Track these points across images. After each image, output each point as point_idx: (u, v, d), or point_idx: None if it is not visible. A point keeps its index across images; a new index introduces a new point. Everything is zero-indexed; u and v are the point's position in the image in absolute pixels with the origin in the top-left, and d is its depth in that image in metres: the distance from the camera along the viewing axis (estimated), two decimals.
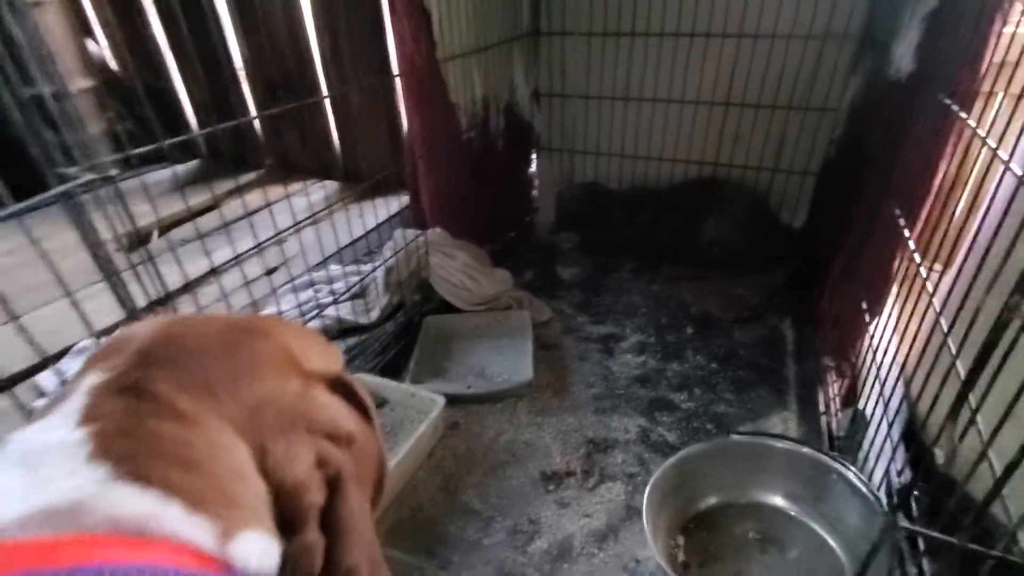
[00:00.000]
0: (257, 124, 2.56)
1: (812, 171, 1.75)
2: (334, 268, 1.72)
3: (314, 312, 1.47)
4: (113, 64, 2.61)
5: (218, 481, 0.32)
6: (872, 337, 1.06)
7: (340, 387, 0.43)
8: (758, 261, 1.77)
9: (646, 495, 0.88)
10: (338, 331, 1.47)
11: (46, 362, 1.21)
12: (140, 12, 2.38)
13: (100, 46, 2.56)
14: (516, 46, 1.71)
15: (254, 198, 2.32)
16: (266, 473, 0.35)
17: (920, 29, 1.10)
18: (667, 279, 1.77)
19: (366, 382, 1.25)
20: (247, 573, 0.31)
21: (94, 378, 0.34)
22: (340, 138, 2.43)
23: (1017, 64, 0.67)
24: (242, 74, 2.44)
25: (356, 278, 1.64)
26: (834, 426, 1.17)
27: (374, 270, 1.52)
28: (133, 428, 0.31)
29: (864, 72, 1.48)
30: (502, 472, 1.14)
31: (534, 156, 2.01)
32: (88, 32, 2.51)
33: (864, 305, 1.14)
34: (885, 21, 1.34)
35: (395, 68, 1.36)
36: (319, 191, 2.43)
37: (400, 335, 1.47)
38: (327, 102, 2.35)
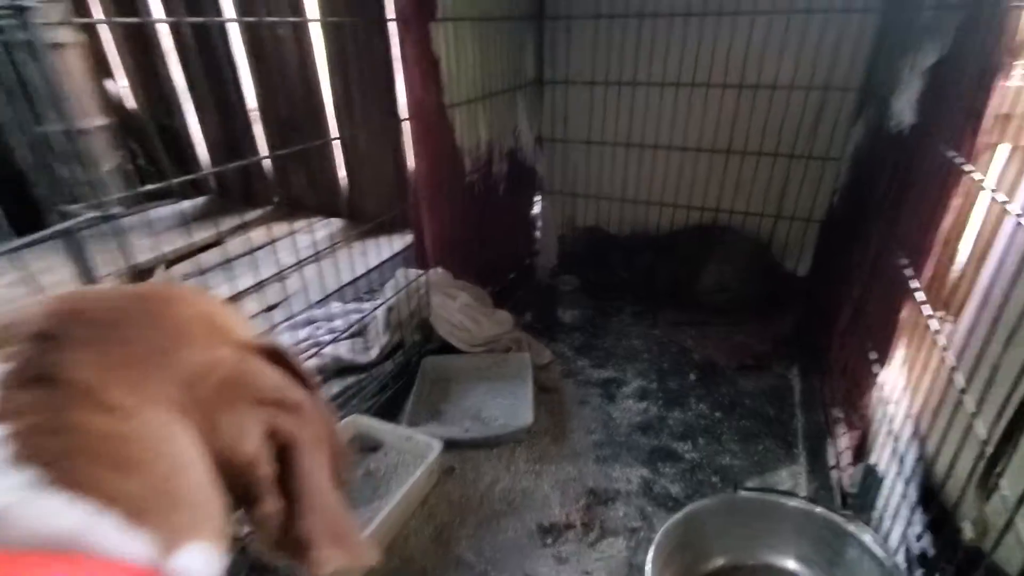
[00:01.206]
0: (267, 163, 2.60)
1: (816, 219, 1.75)
2: (335, 306, 1.71)
3: (313, 350, 1.45)
4: (130, 103, 2.69)
5: (159, 482, 0.29)
6: (882, 389, 1.03)
7: (273, 355, 0.40)
8: (762, 308, 1.75)
9: (650, 553, 0.84)
10: (335, 370, 1.44)
11: None
12: (158, 54, 2.46)
13: (118, 86, 2.64)
14: (520, 94, 1.75)
15: (259, 235, 2.34)
16: (215, 451, 0.33)
17: (921, 82, 1.12)
18: (669, 324, 1.75)
19: (361, 424, 1.22)
20: None
21: None
22: (347, 178, 2.46)
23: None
24: (255, 115, 2.50)
25: (356, 316, 1.63)
26: (846, 482, 1.12)
27: (375, 309, 1.50)
28: (59, 425, 0.27)
29: (866, 123, 1.50)
30: (498, 523, 1.09)
31: (537, 199, 2.03)
32: (107, 72, 2.59)
33: (872, 356, 1.11)
34: (885, 75, 1.37)
35: (403, 112, 1.39)
36: (324, 229, 2.45)
37: (399, 375, 1.44)
38: (336, 143, 2.40)
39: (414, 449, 1.16)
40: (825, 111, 1.62)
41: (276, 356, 0.40)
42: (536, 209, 2.04)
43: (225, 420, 0.34)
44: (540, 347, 1.57)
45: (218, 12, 2.22)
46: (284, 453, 0.36)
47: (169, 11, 2.33)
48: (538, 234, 2.06)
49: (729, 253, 1.76)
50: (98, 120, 2.34)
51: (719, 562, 0.90)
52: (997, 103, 0.79)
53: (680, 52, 1.69)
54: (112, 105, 2.56)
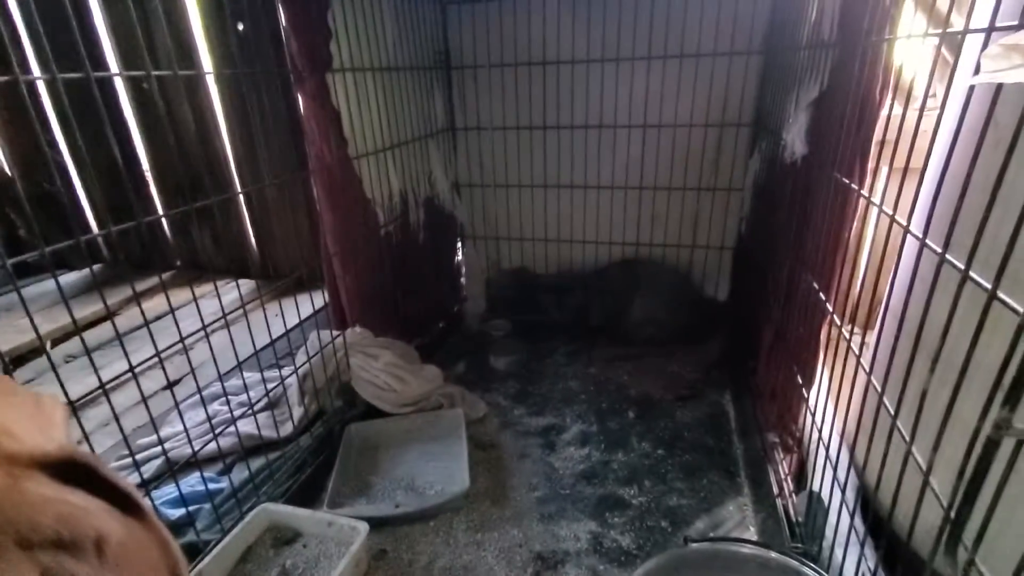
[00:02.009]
0: (165, 225, 2.41)
1: (728, 246, 1.81)
2: (248, 376, 1.55)
3: (220, 428, 1.28)
4: (6, 169, 2.42)
5: None
6: (811, 410, 1.04)
7: (72, 470, 0.30)
8: (689, 336, 1.77)
9: None
10: (248, 449, 1.28)
11: None
12: (37, 116, 2.24)
13: None
14: (432, 141, 1.72)
15: (160, 303, 2.12)
16: None
17: (807, 115, 1.19)
18: (603, 361, 1.73)
19: (273, 513, 1.07)
20: None
21: None
22: (256, 235, 2.31)
23: (898, 140, 0.71)
24: (149, 175, 2.32)
25: (272, 384, 1.48)
26: (791, 511, 1.11)
27: (287, 378, 1.37)
28: None
29: (761, 156, 1.59)
30: None
31: (459, 245, 1.98)
32: None
33: (799, 377, 1.12)
34: (773, 111, 1.45)
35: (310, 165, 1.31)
36: (232, 291, 2.27)
37: (319, 449, 1.30)
38: (241, 199, 2.25)
39: (337, 536, 1.03)
40: (724, 146, 1.71)
41: (75, 469, 0.30)
42: (459, 255, 1.99)
43: None
44: (474, 400, 1.49)
45: (102, 68, 2.06)
46: None
47: (46, 70, 2.14)
48: (464, 280, 2.01)
49: (653, 285, 1.79)
50: None
51: None
52: (879, 130, 0.83)
53: (585, 96, 1.73)
54: None
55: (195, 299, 1.08)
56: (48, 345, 1.87)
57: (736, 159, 1.71)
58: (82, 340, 0.83)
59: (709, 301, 1.84)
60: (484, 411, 1.48)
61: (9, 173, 2.41)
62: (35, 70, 2.15)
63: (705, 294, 1.85)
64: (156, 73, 0.93)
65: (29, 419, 0.32)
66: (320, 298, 2.01)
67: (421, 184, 1.68)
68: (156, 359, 1.57)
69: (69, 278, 2.35)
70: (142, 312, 0.94)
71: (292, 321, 1.74)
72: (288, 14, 1.11)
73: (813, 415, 1.01)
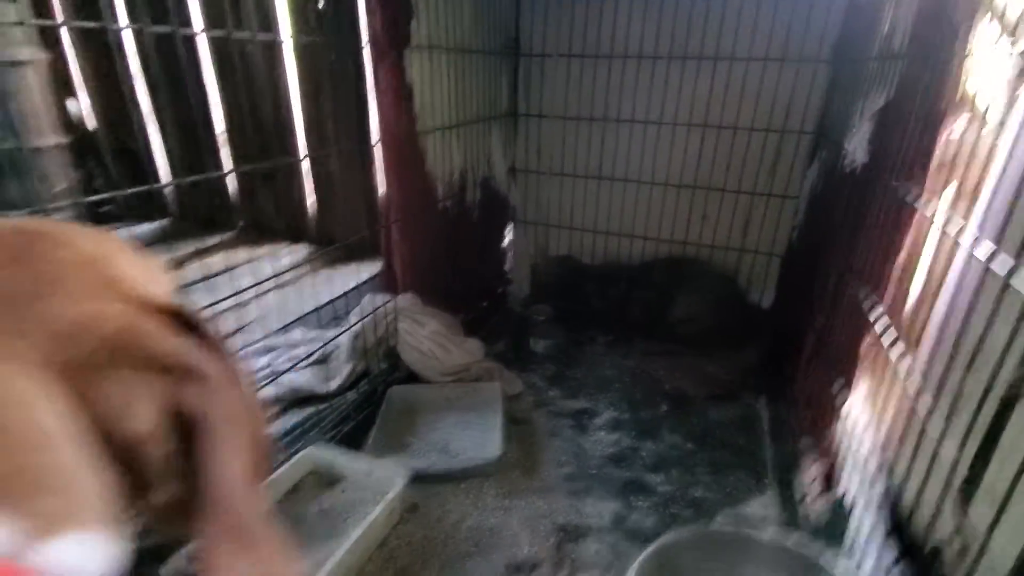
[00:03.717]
0: (232, 186, 2.54)
1: (777, 253, 1.80)
2: (297, 333, 1.65)
3: (269, 379, 1.38)
4: (91, 123, 2.61)
5: (20, 458, 0.24)
6: (847, 418, 1.04)
7: (180, 318, 0.34)
8: (729, 339, 1.78)
9: None
10: (293, 400, 1.38)
11: None
12: (122, 73, 2.41)
13: (80, 105, 2.57)
14: (494, 124, 1.77)
15: (220, 260, 2.26)
16: (97, 425, 0.28)
17: (870, 125, 1.18)
18: (640, 354, 1.75)
19: (318, 456, 1.16)
20: None
21: None
22: (316, 202, 2.43)
23: (955, 158, 0.71)
24: (223, 138, 2.46)
25: (319, 344, 1.57)
26: (815, 513, 1.12)
27: (338, 335, 1.46)
28: None
29: (821, 164, 1.57)
30: (463, 565, 1.03)
31: (509, 228, 2.04)
32: (70, 91, 2.52)
33: (836, 385, 1.12)
34: (837, 119, 1.44)
35: (375, 136, 1.38)
36: (289, 254, 2.39)
37: (362, 405, 1.38)
38: (304, 165, 2.36)
39: (375, 485, 1.11)
40: (783, 152, 1.69)
41: (184, 319, 0.34)
42: (508, 238, 2.05)
43: (108, 388, 0.29)
44: (511, 377, 1.55)
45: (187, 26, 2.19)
46: (189, 432, 0.31)
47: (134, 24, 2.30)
48: (510, 263, 2.06)
49: (698, 285, 1.79)
50: (54, 139, 2.26)
51: None
52: (942, 147, 0.83)
53: (648, 91, 1.75)
54: (72, 124, 2.48)
55: (253, 260, 1.17)
56: None
57: (794, 166, 1.69)
58: None
59: (753, 307, 1.84)
60: (520, 388, 1.53)
61: (96, 128, 2.60)
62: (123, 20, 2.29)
63: (749, 299, 1.84)
64: (237, 36, 1.01)
65: (143, 271, 0.36)
66: (369, 269, 2.11)
67: (480, 164, 1.74)
68: (211, 307, 1.69)
69: (140, 229, 2.52)
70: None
71: (347, 285, 1.84)
72: None
73: (846, 424, 1.02)
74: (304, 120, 2.22)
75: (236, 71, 2.23)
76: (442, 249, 1.60)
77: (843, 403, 1.09)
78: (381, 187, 1.52)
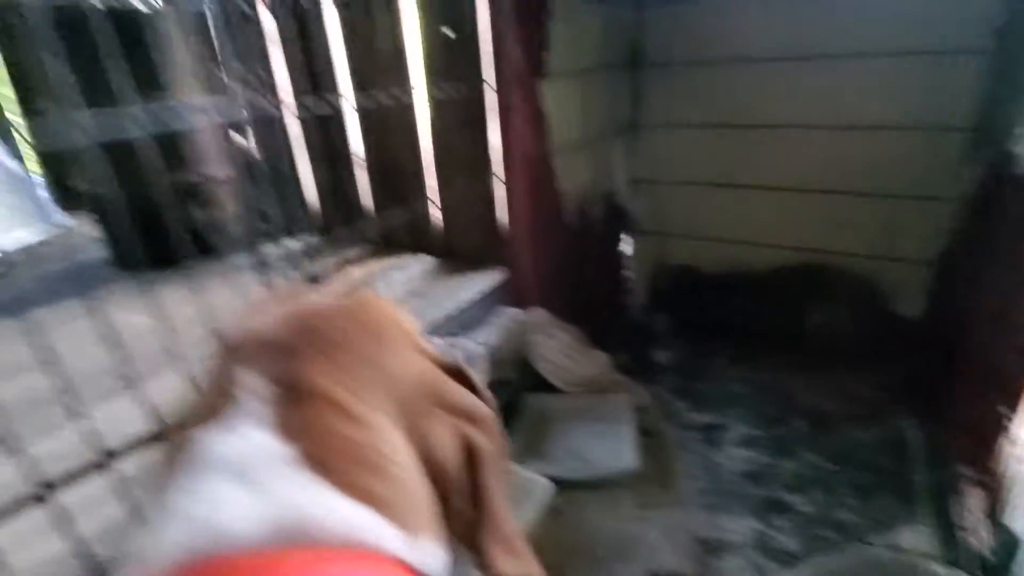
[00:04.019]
0: (370, 204, 2.80)
1: (926, 261, 1.67)
2: (436, 342, 1.80)
3: None
4: (255, 154, 3.00)
5: (400, 487, 0.33)
6: (1017, 446, 0.97)
7: (455, 372, 0.43)
8: (871, 353, 1.68)
9: None
10: None
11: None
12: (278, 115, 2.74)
13: (245, 139, 2.96)
14: (617, 138, 1.81)
15: (359, 270, 2.51)
16: (418, 453, 0.36)
17: None
18: (771, 368, 1.71)
19: None
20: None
21: (255, 380, 0.33)
22: (442, 217, 2.61)
23: None
24: (359, 160, 2.72)
25: (455, 350, 1.71)
26: (978, 544, 1.05)
27: (475, 348, 1.58)
28: (323, 435, 0.32)
29: (980, 166, 1.44)
30: (608, 567, 1.10)
31: (629, 238, 2.06)
32: (237, 128, 2.92)
33: (1003, 408, 1.04)
34: (1002, 117, 1.31)
35: (496, 156, 1.48)
36: (417, 265, 2.59)
37: (499, 413, 1.49)
38: (428, 188, 2.55)
39: (521, 488, 1.20)
40: (933, 152, 1.56)
41: (459, 373, 0.43)
42: (629, 249, 2.08)
43: (426, 426, 0.37)
44: (638, 389, 1.58)
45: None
46: (468, 462, 0.39)
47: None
48: (630, 274, 2.09)
49: (835, 295, 1.71)
50: (225, 170, 2.63)
51: None
52: None
53: (780, 94, 1.69)
54: (236, 155, 2.87)
55: (387, 269, 1.30)
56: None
57: (947, 168, 1.56)
58: None
59: (899, 318, 1.72)
60: (647, 400, 1.56)
61: (257, 156, 2.98)
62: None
63: (895, 310, 1.73)
64: (384, 101, 1.15)
65: (418, 331, 0.45)
66: (490, 279, 2.23)
67: (603, 179, 1.79)
68: None
69: (289, 246, 2.85)
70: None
71: (464, 296, 1.97)
72: (516, 24, 1.27)
73: (1020, 453, 0.95)
74: (434, 142, 2.41)
75: (372, 114, 2.45)
76: (568, 263, 1.67)
77: (1012, 430, 1.01)
78: (508, 206, 1.61)
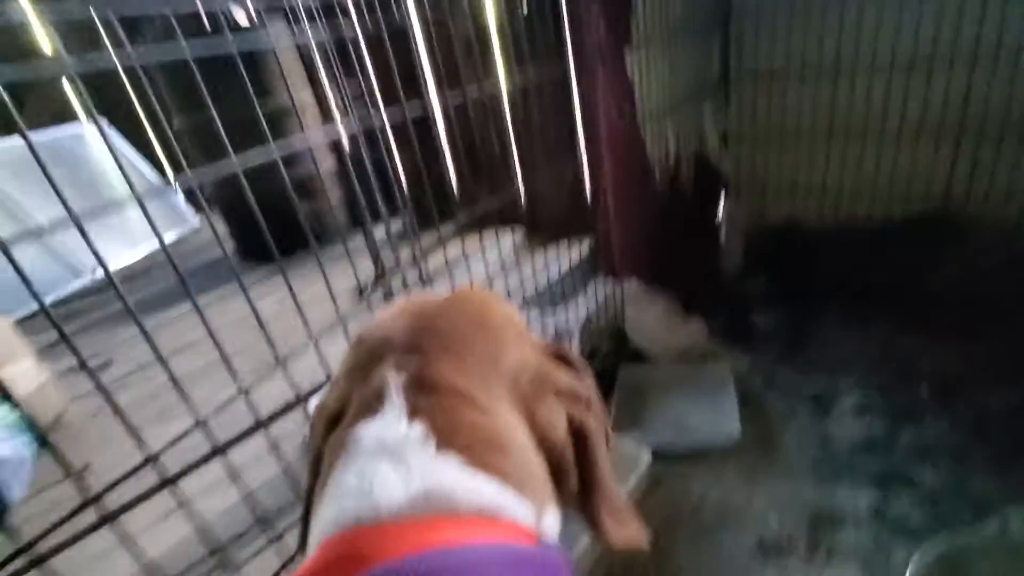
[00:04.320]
0: (454, 182, 2.88)
1: None
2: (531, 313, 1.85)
3: None
4: (346, 144, 3.18)
5: (523, 464, 0.37)
6: None
7: (559, 356, 0.46)
8: (1010, 309, 1.50)
9: None
10: None
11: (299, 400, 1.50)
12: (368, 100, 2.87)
13: (338, 131, 3.14)
14: (705, 97, 1.72)
15: (453, 248, 2.61)
16: (535, 434, 0.40)
17: None
18: (888, 329, 1.58)
19: None
20: (552, 544, 0.37)
21: (393, 375, 0.38)
22: (527, 192, 2.64)
23: None
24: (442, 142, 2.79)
25: (550, 322, 1.75)
26: None
27: (568, 320, 1.61)
28: (455, 421, 0.36)
29: None
30: (712, 537, 1.11)
31: (722, 200, 1.97)
32: (329, 119, 3.10)
33: None
34: None
35: (582, 128, 1.46)
36: (509, 242, 2.65)
37: (596, 382, 1.52)
38: (515, 161, 2.57)
39: (622, 458, 1.23)
40: None
41: (562, 357, 0.46)
42: (722, 210, 1.98)
43: (540, 410, 0.41)
44: (737, 356, 1.54)
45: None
46: (577, 440, 0.42)
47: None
48: (724, 236, 2.00)
49: (965, 245, 1.54)
50: (330, 162, 2.82)
51: None
52: None
53: (894, 30, 1.51)
54: (335, 147, 3.06)
55: (482, 247, 1.34)
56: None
57: None
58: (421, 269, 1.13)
59: None
60: (745, 367, 1.52)
61: (350, 148, 3.15)
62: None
63: None
64: (472, 96, 1.17)
65: (520, 317, 0.49)
66: (580, 249, 2.23)
67: (692, 140, 1.71)
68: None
69: (382, 231, 3.02)
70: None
71: (555, 269, 1.99)
72: None
73: None
74: (512, 117, 2.42)
75: (461, 86, 2.50)
76: (659, 231, 1.64)
77: None
78: (595, 178, 1.60)
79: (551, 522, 0.38)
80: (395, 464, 0.34)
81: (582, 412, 0.43)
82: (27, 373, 1.57)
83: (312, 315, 0.80)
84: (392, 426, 0.36)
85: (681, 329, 1.53)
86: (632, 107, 1.39)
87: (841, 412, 1.34)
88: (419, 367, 0.39)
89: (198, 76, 0.66)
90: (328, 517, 0.34)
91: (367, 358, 0.42)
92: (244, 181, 0.72)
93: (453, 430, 0.36)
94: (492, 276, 1.35)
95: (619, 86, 1.34)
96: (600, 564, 1.08)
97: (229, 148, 0.69)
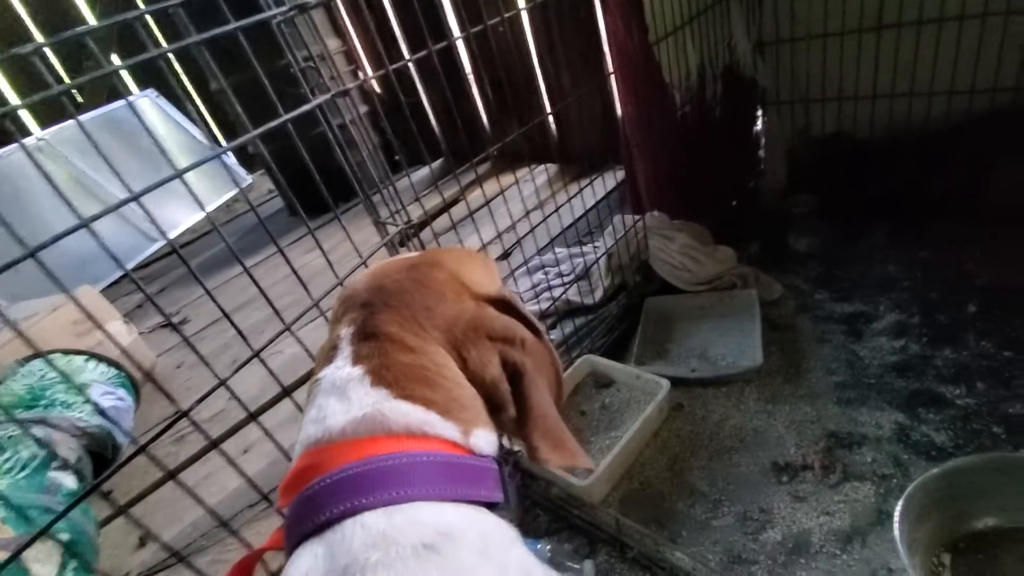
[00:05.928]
0: (485, 120, 2.86)
1: None
2: (559, 250, 1.87)
3: (545, 294, 1.65)
4: (377, 88, 3.19)
5: (450, 393, 0.46)
6: None
7: (504, 305, 0.54)
8: None
9: (901, 502, 0.81)
10: (566, 311, 1.61)
11: None
12: (393, 44, 2.86)
13: (368, 76, 3.15)
14: (733, 1, 1.57)
15: (490, 186, 2.64)
16: (469, 375, 0.49)
17: None
18: (941, 242, 1.47)
19: (594, 363, 1.37)
20: (484, 454, 0.46)
21: (347, 330, 0.48)
22: (557, 125, 2.57)
23: None
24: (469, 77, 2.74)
25: (579, 260, 1.77)
26: None
27: (596, 255, 1.61)
28: (388, 362, 0.46)
29: None
30: (729, 457, 1.14)
31: (759, 113, 1.84)
32: (358, 66, 3.11)
33: None
34: None
35: (607, 58, 1.40)
36: (542, 175, 2.62)
37: (623, 317, 1.55)
38: (543, 89, 2.50)
39: (644, 387, 1.27)
40: None
41: (506, 305, 0.54)
42: (759, 125, 1.86)
43: (473, 352, 0.49)
44: (769, 281, 1.50)
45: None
46: (515, 378, 0.50)
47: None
48: (762, 152, 1.88)
49: None
50: (362, 107, 2.85)
51: (989, 522, 0.82)
52: None
53: None
54: (365, 94, 3.08)
55: (517, 183, 1.35)
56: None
57: None
58: (450, 217, 1.19)
59: None
60: (780, 293, 1.48)
61: (378, 89, 3.16)
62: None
63: None
64: (491, 23, 1.13)
65: (481, 270, 0.57)
66: (612, 179, 2.18)
67: (720, 53, 1.59)
68: (497, 237, 2.00)
69: (421, 173, 3.06)
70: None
71: (588, 202, 1.97)
72: None
73: None
74: (537, 50, 2.35)
75: (482, 18, 2.43)
76: (684, 159, 1.57)
77: None
78: (617, 102, 1.54)
79: (482, 440, 0.47)
80: (340, 399, 0.44)
81: (517, 353, 0.51)
82: (119, 334, 1.81)
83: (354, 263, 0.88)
84: (341, 369, 0.46)
85: (708, 259, 1.50)
86: (642, 28, 1.31)
87: (874, 334, 1.30)
88: (364, 319, 0.49)
89: (242, 39, 0.70)
90: (300, 440, 0.45)
91: (341, 311, 0.53)
92: (294, 133, 0.76)
93: (385, 369, 0.46)
94: (524, 213, 1.36)
95: (624, 5, 1.26)
96: (620, 485, 1.15)
97: (276, 103, 0.74)
